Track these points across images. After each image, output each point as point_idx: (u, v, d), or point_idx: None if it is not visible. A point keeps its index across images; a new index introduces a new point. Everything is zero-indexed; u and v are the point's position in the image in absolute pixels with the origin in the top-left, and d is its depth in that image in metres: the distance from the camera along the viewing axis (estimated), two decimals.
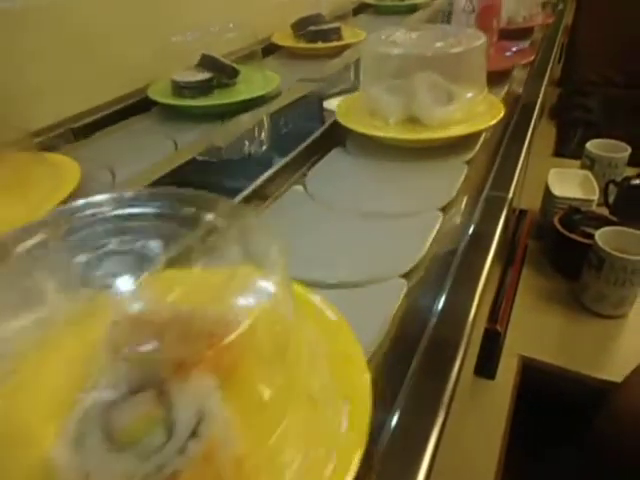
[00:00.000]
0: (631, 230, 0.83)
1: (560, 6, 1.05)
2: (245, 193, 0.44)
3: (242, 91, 0.59)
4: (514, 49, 0.77)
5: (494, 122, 0.53)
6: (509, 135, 0.59)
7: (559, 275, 0.92)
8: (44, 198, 0.35)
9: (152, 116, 0.57)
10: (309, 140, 0.55)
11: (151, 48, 0.56)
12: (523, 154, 0.58)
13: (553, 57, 0.97)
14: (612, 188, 1.01)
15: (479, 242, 0.41)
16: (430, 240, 0.39)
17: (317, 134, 0.57)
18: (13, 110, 0.38)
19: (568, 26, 1.76)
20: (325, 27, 0.78)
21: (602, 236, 0.81)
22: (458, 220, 0.43)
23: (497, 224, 0.46)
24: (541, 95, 0.61)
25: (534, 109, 0.66)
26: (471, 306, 0.35)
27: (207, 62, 0.58)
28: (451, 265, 0.36)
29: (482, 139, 0.56)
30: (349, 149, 0.56)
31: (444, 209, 0.44)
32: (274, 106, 0.57)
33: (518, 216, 0.99)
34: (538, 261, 0.96)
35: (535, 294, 0.90)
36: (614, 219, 0.90)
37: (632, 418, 0.61)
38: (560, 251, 0.92)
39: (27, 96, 0.40)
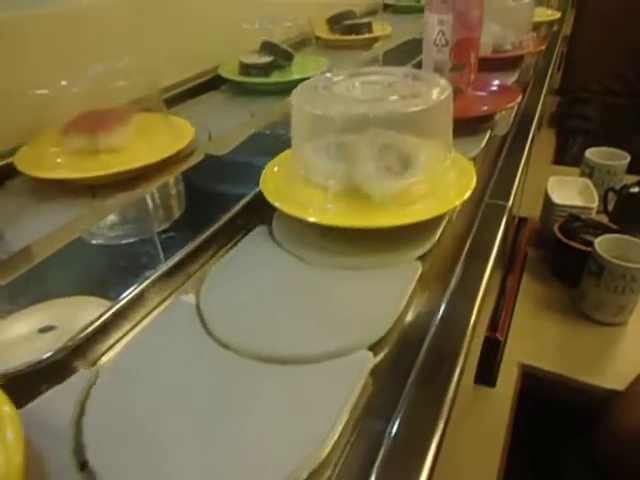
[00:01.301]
0: (630, 238, 0.83)
1: (555, 27, 0.95)
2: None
3: (296, 72, 0.70)
4: (496, 86, 0.61)
5: (459, 202, 0.38)
6: (508, 145, 0.60)
7: (559, 282, 0.92)
8: (169, 145, 0.46)
9: (224, 91, 0.69)
10: (226, 216, 0.40)
11: (224, 33, 0.70)
12: (522, 164, 0.58)
13: (552, 67, 0.98)
14: (611, 196, 1.02)
15: (479, 251, 0.41)
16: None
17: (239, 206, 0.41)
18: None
19: (567, 35, 1.77)
20: (358, 22, 0.89)
21: (602, 244, 0.82)
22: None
23: (497, 232, 0.46)
24: (539, 107, 0.60)
25: (532, 120, 0.65)
26: (471, 314, 0.35)
27: (268, 47, 0.70)
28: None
29: (444, 223, 0.40)
30: (275, 231, 0.39)
31: (373, 348, 0.28)
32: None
33: (518, 224, 1.00)
34: (538, 269, 0.96)
35: (535, 301, 0.90)
36: (614, 227, 0.90)
37: (631, 435, 0.61)
38: (560, 258, 0.92)
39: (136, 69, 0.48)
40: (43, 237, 0.36)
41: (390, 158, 0.36)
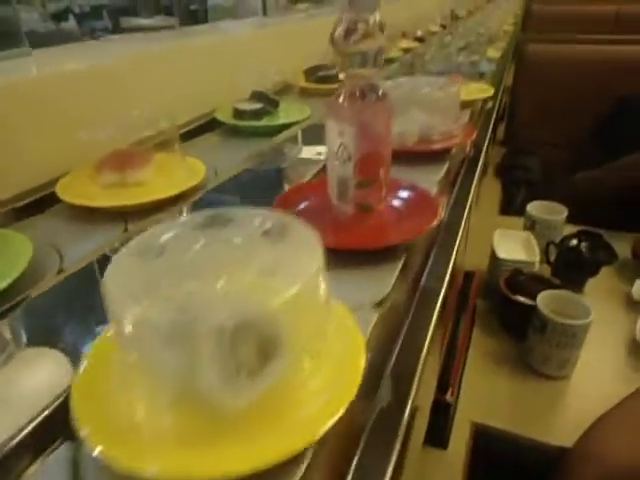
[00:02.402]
0: (570, 293, 0.87)
1: (489, 104, 0.88)
2: None
3: (282, 117, 0.80)
4: (416, 195, 0.47)
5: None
6: (451, 203, 0.60)
7: (507, 335, 0.95)
8: (184, 181, 0.53)
9: (219, 133, 0.78)
10: None
11: (219, 83, 0.82)
12: (463, 222, 0.60)
13: (493, 120, 1.02)
14: (552, 248, 1.07)
15: (423, 309, 0.42)
16: None
17: None
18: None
19: (508, 86, 1.89)
20: (330, 73, 1.02)
21: (544, 299, 0.85)
22: None
23: (440, 289, 0.47)
24: (471, 195, 0.55)
25: (462, 218, 0.55)
26: (414, 374, 0.35)
27: (257, 95, 0.81)
28: None
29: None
30: None
31: None
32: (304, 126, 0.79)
33: (465, 278, 1.03)
34: (488, 321, 0.99)
35: (485, 355, 0.92)
36: (555, 281, 0.94)
37: None
38: (507, 312, 0.95)
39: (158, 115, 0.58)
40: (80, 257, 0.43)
41: (245, 350, 0.23)
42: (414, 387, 0.35)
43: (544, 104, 1.73)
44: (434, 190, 0.51)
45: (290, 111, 0.81)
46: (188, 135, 0.73)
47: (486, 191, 1.58)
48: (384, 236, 0.41)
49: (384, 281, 0.38)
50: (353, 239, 0.40)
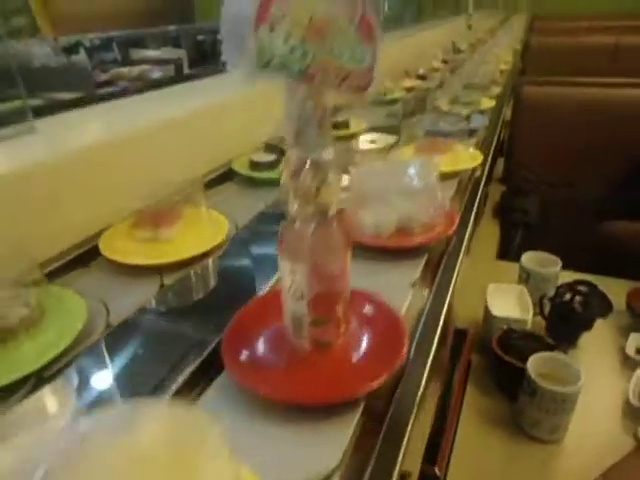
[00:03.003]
0: (561, 356, 0.88)
1: (478, 172, 0.85)
2: None
3: None
4: (382, 318, 0.43)
5: None
6: (444, 265, 0.60)
7: (501, 394, 0.95)
8: (210, 238, 0.60)
9: (237, 182, 0.85)
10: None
11: (236, 138, 0.91)
12: (452, 286, 0.61)
13: (491, 157, 1.02)
14: (546, 302, 1.08)
15: (411, 376, 0.42)
16: None
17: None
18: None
19: (508, 121, 1.91)
20: (339, 120, 1.09)
21: (534, 363, 0.86)
22: None
23: (429, 352, 0.46)
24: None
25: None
26: (400, 448, 0.35)
27: (270, 147, 0.89)
28: None
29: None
30: None
31: None
32: None
33: (459, 334, 1.04)
34: (482, 378, 0.99)
35: (478, 414, 0.93)
36: (548, 340, 0.95)
37: None
38: (499, 372, 0.96)
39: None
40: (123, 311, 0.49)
41: None
42: (401, 454, 0.36)
43: (541, 144, 1.75)
44: (408, 295, 0.50)
45: None
46: (209, 185, 0.80)
47: (484, 233, 1.59)
48: (339, 386, 0.37)
49: (334, 445, 0.34)
50: (303, 389, 0.36)
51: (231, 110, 0.91)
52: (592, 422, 0.89)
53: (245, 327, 0.43)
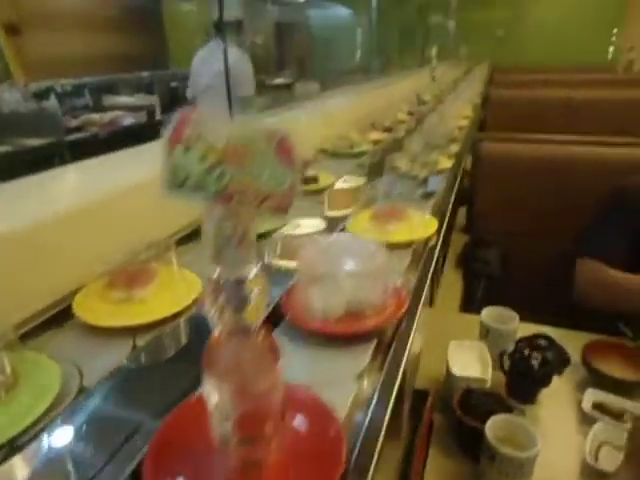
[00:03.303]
0: (518, 419, 0.89)
1: (432, 241, 0.86)
2: None
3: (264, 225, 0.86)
4: (311, 429, 0.41)
5: None
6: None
7: (464, 455, 0.95)
8: (185, 295, 0.63)
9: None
10: None
11: None
12: (408, 347, 0.61)
13: (446, 223, 1.05)
14: (505, 359, 1.10)
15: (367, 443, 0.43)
16: None
17: None
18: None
19: (467, 170, 1.98)
20: (306, 175, 1.13)
21: (492, 426, 0.87)
22: None
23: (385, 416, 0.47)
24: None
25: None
26: None
27: None
28: None
29: None
30: None
31: None
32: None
33: (420, 395, 1.05)
34: (445, 439, 0.99)
35: (442, 478, 0.92)
36: (508, 401, 0.97)
37: None
38: (460, 433, 0.96)
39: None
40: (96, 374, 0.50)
41: None
42: None
43: (500, 196, 1.82)
44: (354, 389, 0.50)
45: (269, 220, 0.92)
46: (179, 242, 0.82)
47: (448, 283, 1.63)
48: None
49: None
50: None
51: None
52: None
53: (171, 439, 0.40)
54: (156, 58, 5.34)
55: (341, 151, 1.46)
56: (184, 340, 0.61)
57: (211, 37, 3.10)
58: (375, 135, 1.69)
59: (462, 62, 5.65)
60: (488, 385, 1.02)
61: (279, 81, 4.88)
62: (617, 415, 1.02)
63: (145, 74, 4.62)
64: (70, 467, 0.41)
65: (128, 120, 3.41)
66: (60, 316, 0.61)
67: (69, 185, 0.86)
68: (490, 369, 1.05)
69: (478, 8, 6.86)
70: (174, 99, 4.42)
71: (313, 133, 1.49)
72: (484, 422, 0.89)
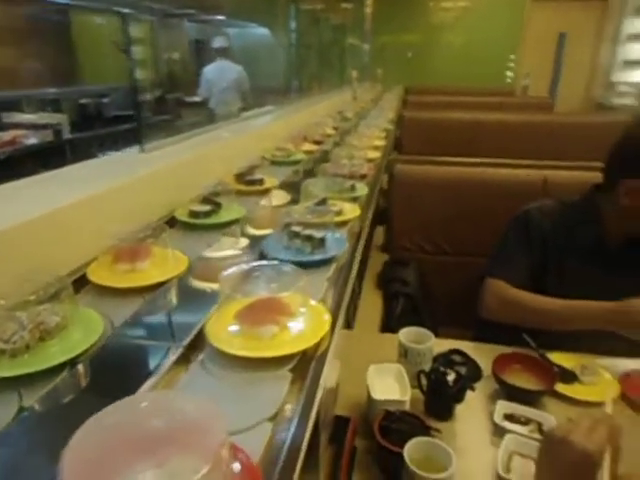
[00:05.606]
0: (434, 441, 0.91)
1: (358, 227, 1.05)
2: None
3: (225, 215, 1.12)
4: None
5: None
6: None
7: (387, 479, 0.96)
8: (174, 268, 0.85)
9: (178, 229, 1.09)
10: None
11: (177, 192, 1.20)
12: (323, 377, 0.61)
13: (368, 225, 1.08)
14: (422, 378, 1.13)
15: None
16: None
17: None
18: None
19: (385, 189, 2.05)
20: (255, 177, 1.41)
21: (410, 449, 0.88)
22: None
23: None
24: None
25: None
26: None
27: (206, 200, 1.15)
28: None
29: None
30: None
31: None
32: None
33: (341, 421, 1.04)
34: (368, 464, 0.99)
35: None
36: (426, 421, 0.99)
37: None
38: (381, 458, 0.97)
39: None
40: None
41: None
42: None
43: (415, 216, 1.90)
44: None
45: (231, 210, 1.14)
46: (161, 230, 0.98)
47: (368, 303, 1.66)
48: None
49: None
50: None
51: (180, 169, 1.26)
52: None
53: None
54: (64, 73, 5.04)
55: (280, 160, 1.75)
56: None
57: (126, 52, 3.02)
58: (307, 146, 1.97)
59: (378, 84, 5.91)
60: (407, 407, 1.04)
61: (198, 99, 4.80)
62: (525, 424, 1.08)
63: (52, 90, 4.33)
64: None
65: (31, 139, 3.18)
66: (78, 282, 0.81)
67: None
68: (409, 390, 1.07)
69: (392, 32, 7.22)
70: (85, 116, 4.18)
71: (255, 146, 1.83)
72: (404, 445, 0.90)
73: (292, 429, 0.51)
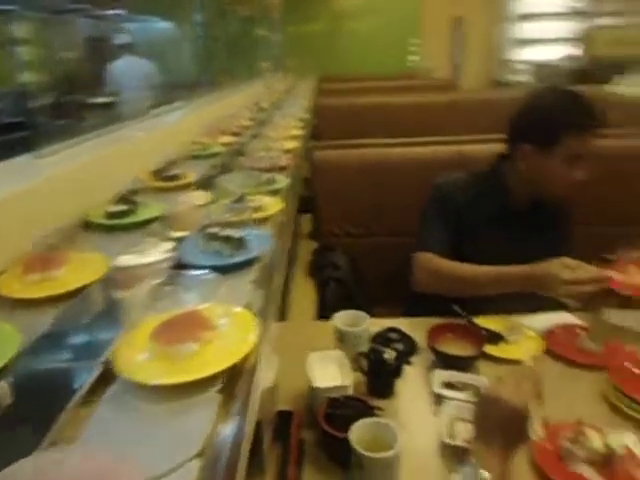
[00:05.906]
0: (378, 420, 0.91)
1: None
2: None
3: (142, 214, 1.04)
4: None
5: None
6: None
7: (338, 468, 0.95)
8: (91, 274, 0.77)
9: (94, 232, 1.01)
10: None
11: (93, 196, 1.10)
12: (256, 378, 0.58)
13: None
14: (362, 360, 1.13)
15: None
16: None
17: None
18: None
19: (308, 177, 2.03)
20: (173, 173, 1.31)
21: (356, 432, 0.88)
22: None
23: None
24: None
25: None
26: None
27: (122, 199, 1.09)
28: None
29: None
30: None
31: None
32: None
33: (284, 415, 1.02)
34: (319, 455, 0.98)
35: None
36: (370, 404, 0.99)
37: None
38: (328, 445, 0.96)
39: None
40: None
41: None
42: None
43: (339, 200, 1.90)
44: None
45: (150, 208, 1.07)
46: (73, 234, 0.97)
47: (300, 293, 1.64)
48: None
49: None
50: None
51: (84, 171, 1.16)
52: (421, 471, 0.94)
53: None
54: None
55: (196, 154, 1.65)
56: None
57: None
58: (225, 139, 1.88)
59: (290, 74, 5.87)
60: (350, 391, 1.04)
61: (102, 100, 4.50)
62: (463, 390, 1.12)
63: None
64: None
65: None
66: None
67: None
68: (351, 374, 1.06)
69: (300, 22, 7.20)
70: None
71: (170, 141, 1.73)
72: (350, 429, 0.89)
73: (224, 460, 0.45)
